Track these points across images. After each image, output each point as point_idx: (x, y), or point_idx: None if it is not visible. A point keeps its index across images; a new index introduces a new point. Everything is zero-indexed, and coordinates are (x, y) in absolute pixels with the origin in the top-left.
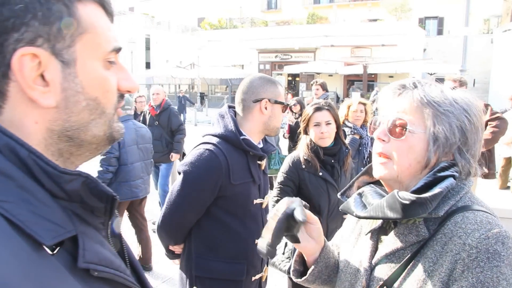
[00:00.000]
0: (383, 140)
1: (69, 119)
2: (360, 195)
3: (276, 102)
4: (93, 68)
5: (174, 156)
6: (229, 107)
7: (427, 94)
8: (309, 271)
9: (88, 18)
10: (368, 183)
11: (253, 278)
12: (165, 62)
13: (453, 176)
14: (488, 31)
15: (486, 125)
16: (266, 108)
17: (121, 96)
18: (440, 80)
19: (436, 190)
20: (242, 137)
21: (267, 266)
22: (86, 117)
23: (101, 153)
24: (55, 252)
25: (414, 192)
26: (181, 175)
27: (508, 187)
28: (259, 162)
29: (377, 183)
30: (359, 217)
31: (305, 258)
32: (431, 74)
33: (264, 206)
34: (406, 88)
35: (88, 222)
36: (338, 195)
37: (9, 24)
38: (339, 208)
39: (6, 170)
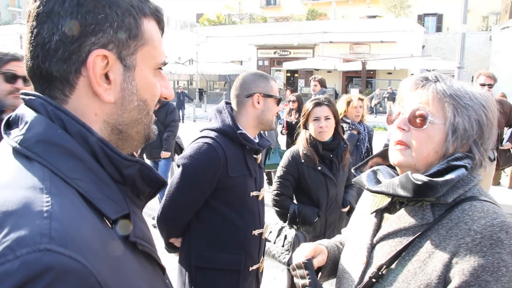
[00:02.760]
0: (403, 129)
1: (122, 115)
2: (374, 171)
3: (268, 96)
4: (146, 75)
5: (164, 154)
6: (226, 103)
7: (449, 87)
8: (320, 276)
9: (149, 32)
10: (380, 165)
11: (251, 268)
12: None
13: (465, 167)
14: (487, 28)
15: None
16: (258, 103)
17: (158, 101)
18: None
19: (448, 176)
20: (239, 131)
21: (264, 257)
22: (135, 115)
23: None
24: (112, 226)
25: (427, 176)
26: (180, 168)
27: None
28: (255, 156)
29: (389, 166)
30: (370, 191)
31: None
32: (429, 71)
33: (260, 198)
34: (428, 81)
35: (135, 203)
36: (352, 169)
37: (90, 29)
38: (352, 181)
39: (79, 153)
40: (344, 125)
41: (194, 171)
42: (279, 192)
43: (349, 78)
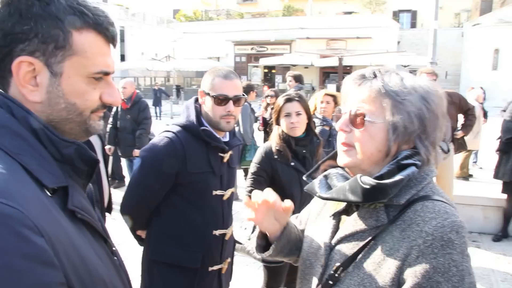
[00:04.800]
0: (346, 131)
1: (52, 113)
2: (325, 177)
3: (207, 94)
4: (75, 82)
5: (136, 152)
6: (196, 100)
7: (385, 84)
8: (272, 247)
9: (80, 44)
10: (334, 167)
11: (210, 269)
12: (140, 54)
13: (416, 165)
14: (459, 25)
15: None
16: (203, 100)
17: (104, 106)
18: (413, 72)
19: (397, 177)
20: (202, 128)
21: (228, 259)
22: (64, 115)
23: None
24: (52, 195)
25: (376, 178)
26: (140, 159)
27: (465, 177)
28: (221, 154)
29: (342, 168)
30: (322, 198)
31: (268, 234)
32: (405, 66)
33: (225, 198)
34: (365, 78)
35: (75, 181)
36: (304, 177)
37: (17, 37)
38: (304, 189)
39: (23, 134)
40: (316, 120)
41: (152, 163)
42: (252, 188)
43: (326, 74)
